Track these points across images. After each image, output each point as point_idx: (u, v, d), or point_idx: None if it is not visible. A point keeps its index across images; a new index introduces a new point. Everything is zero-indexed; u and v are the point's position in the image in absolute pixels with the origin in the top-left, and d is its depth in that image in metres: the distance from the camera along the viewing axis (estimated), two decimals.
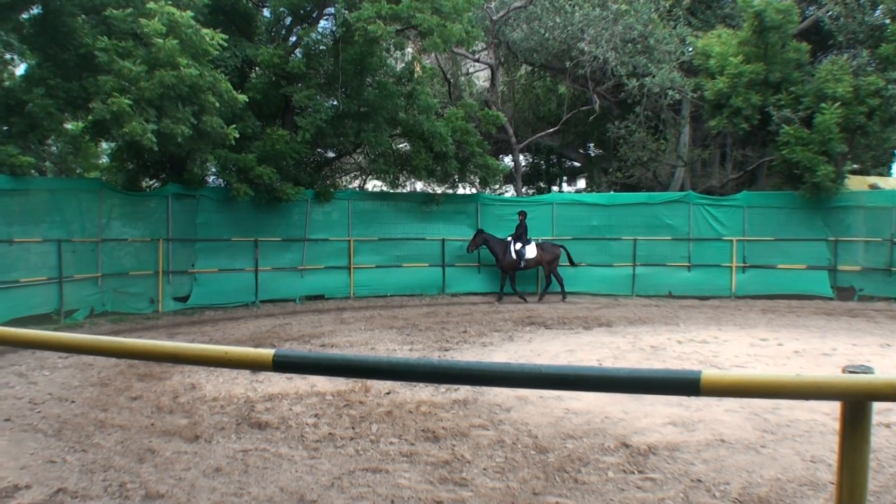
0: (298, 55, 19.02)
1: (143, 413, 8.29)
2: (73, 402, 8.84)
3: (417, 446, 6.90)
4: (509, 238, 20.35)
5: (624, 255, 21.63)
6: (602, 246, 21.76)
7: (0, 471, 6.20)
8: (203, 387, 9.51)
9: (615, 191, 26.66)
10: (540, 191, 33.02)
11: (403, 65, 21.43)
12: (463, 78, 27.74)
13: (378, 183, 26.23)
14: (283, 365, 1.96)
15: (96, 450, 6.87)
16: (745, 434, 7.09)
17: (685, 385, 2.41)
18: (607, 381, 2.57)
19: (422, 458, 6.52)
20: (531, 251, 20.21)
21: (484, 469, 6.24)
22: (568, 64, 23.36)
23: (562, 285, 20.52)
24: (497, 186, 28.03)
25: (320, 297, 20.04)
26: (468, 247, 20.28)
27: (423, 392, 8.96)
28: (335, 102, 19.03)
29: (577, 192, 32.65)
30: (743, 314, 17.70)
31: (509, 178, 26.71)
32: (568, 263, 20.62)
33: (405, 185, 26.15)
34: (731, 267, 21.11)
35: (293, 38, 19.95)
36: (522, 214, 20.69)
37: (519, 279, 20.91)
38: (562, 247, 20.67)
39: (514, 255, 20.12)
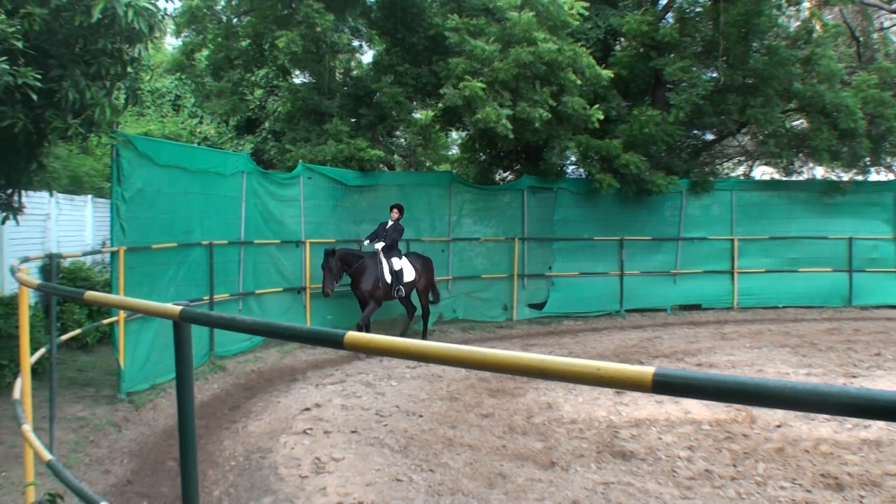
0: (670, 20, 18.71)
1: (493, 433, 8.72)
2: (420, 416, 9.53)
3: (815, 494, 6.61)
4: (376, 246, 14.82)
5: None
6: None
7: (346, 486, 6.94)
8: (560, 407, 9.78)
9: None
10: None
11: (799, 23, 20.27)
12: (876, 35, 25.66)
13: (767, 169, 25.22)
14: (664, 386, 1.89)
15: (444, 470, 7.38)
16: None
17: None
18: None
19: None
20: (409, 270, 15.20)
21: None
22: None
23: (427, 317, 15.90)
24: None
25: (696, 307, 19.73)
26: (324, 288, 14.05)
27: (824, 427, 8.50)
28: (714, 74, 18.57)
29: None
30: None
31: None
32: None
33: (801, 172, 24.77)
34: None
35: (663, 1, 19.67)
36: (397, 210, 15.20)
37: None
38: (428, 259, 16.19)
39: (388, 278, 14.78)
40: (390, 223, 14.96)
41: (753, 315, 19.01)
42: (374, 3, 17.19)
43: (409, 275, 15.01)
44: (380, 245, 14.65)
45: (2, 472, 7.05)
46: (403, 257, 15.10)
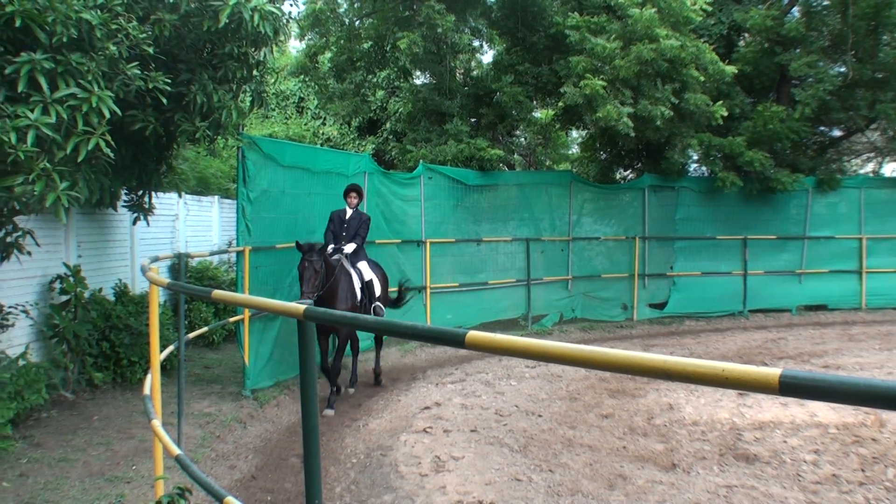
0: (795, 14, 18.33)
1: (613, 434, 8.75)
2: (539, 416, 9.61)
3: None
4: (346, 249, 10.86)
5: None
6: None
7: (466, 484, 7.05)
8: (682, 408, 9.74)
9: None
10: None
11: None
12: None
13: None
14: (791, 388, 1.82)
15: (563, 471, 7.44)
16: None
17: None
18: None
19: None
20: (376, 280, 11.45)
21: None
22: None
23: (379, 347, 12.26)
24: None
25: (822, 308, 19.31)
26: (303, 290, 9.75)
27: None
28: (842, 69, 18.09)
29: None
30: None
31: None
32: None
33: None
34: None
35: None
36: (355, 194, 11.36)
37: None
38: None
39: (358, 289, 10.95)
40: (350, 212, 11.19)
41: (883, 316, 18.50)
42: (495, 2, 17.32)
43: (377, 286, 11.37)
44: (349, 248, 10.89)
45: (132, 465, 7.37)
46: (364, 261, 11.35)
